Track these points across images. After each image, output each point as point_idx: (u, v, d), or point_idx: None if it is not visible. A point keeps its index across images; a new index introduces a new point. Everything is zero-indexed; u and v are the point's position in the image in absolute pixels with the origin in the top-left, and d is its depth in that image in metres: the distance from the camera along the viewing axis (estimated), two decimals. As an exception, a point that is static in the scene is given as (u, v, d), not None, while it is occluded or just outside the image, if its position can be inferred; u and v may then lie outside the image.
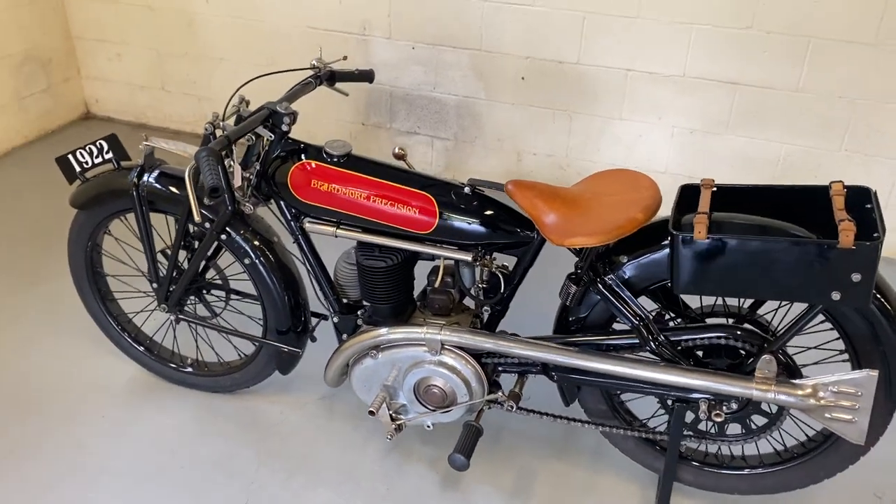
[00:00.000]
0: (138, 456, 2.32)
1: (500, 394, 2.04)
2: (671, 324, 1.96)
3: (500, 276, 2.01)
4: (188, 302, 2.39)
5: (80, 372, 2.62)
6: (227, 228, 2.17)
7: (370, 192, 1.96)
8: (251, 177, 2.06)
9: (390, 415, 2.14)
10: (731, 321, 1.92)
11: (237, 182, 2.00)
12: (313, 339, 2.36)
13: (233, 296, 2.38)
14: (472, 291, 2.07)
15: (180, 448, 2.35)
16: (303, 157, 2.01)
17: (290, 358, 2.33)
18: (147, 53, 4.27)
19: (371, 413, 2.06)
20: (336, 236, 2.04)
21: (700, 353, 1.91)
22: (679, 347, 1.88)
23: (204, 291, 2.39)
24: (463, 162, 3.92)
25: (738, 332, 1.81)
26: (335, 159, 1.99)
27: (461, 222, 1.93)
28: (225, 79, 4.16)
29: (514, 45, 3.55)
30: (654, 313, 1.96)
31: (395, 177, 1.97)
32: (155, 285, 2.31)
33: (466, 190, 1.94)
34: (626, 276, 1.86)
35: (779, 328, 1.87)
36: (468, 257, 1.95)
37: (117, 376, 2.61)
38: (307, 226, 2.06)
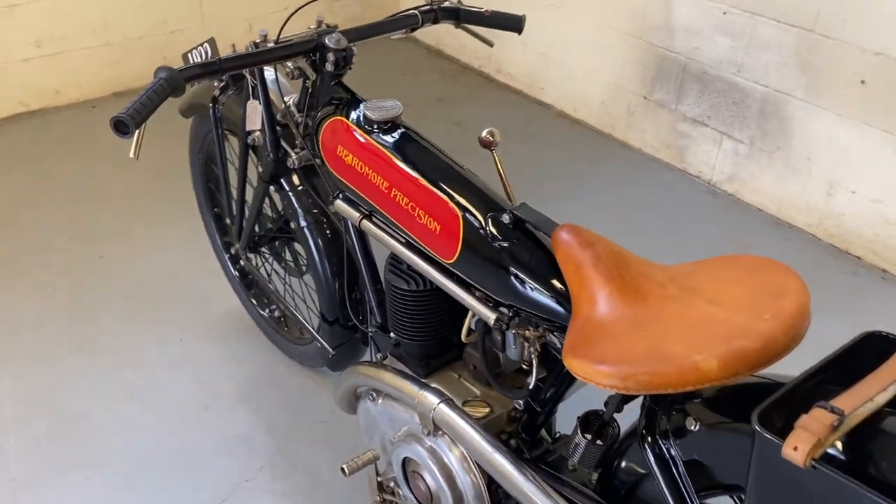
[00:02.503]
0: (176, 397, 2.09)
1: (482, 536, 1.34)
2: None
3: (534, 361, 1.27)
4: (283, 252, 2.05)
5: (189, 289, 2.47)
6: (282, 180, 1.74)
7: (391, 181, 1.36)
8: (303, 121, 1.59)
9: (378, 481, 1.58)
10: None
11: (252, 124, 1.55)
12: (365, 344, 1.86)
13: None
14: (504, 368, 1.37)
15: (214, 408, 2.06)
16: (344, 112, 1.47)
17: (328, 354, 1.87)
18: (457, -26, 3.93)
19: (342, 470, 1.52)
20: (359, 227, 1.49)
21: None
22: None
23: (296, 244, 2.02)
24: (754, 178, 2.92)
25: None
26: (373, 126, 1.41)
27: (485, 263, 1.24)
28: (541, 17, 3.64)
29: (863, 33, 2.44)
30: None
31: (429, 168, 1.33)
32: (228, 220, 2.01)
33: (505, 217, 1.23)
34: (695, 455, 1.02)
35: None
36: (490, 317, 1.26)
37: (217, 305, 2.40)
38: (335, 203, 1.53)
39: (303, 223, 1.73)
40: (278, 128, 1.67)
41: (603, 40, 3.27)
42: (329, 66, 1.45)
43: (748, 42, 2.76)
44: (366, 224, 1.46)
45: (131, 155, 1.29)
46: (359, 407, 1.61)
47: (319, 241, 1.74)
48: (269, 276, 2.15)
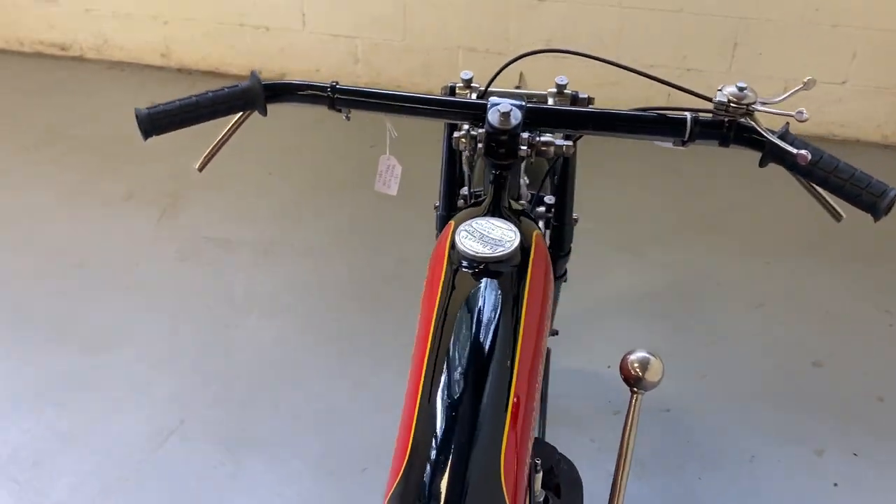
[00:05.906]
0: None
1: None
2: None
3: None
4: None
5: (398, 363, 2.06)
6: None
7: (418, 349, 0.84)
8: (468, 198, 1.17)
9: None
10: None
11: (382, 186, 1.11)
12: None
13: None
14: None
15: None
16: (465, 217, 0.96)
17: None
18: None
19: None
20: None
21: None
22: None
23: None
24: None
25: None
26: (459, 260, 0.87)
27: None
28: None
29: None
30: None
31: (450, 363, 0.79)
32: None
33: None
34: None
35: None
36: None
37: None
38: None
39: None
40: (472, 199, 1.23)
41: None
42: (479, 144, 0.95)
43: None
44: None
45: (196, 166, 1.03)
46: None
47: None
48: None
